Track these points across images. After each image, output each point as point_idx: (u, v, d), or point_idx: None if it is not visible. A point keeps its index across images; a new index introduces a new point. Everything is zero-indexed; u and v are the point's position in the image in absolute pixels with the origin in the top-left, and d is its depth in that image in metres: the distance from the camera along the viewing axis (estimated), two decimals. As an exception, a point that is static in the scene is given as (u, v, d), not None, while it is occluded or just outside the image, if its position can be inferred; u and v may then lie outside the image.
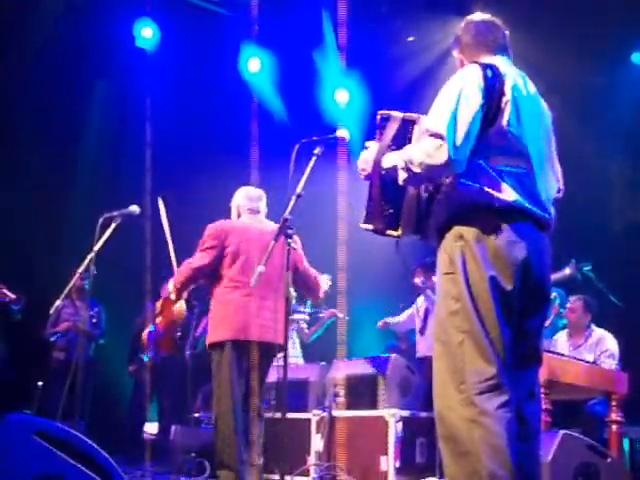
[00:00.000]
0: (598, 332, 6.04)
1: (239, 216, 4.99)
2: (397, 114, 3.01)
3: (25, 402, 6.95)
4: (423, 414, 5.68)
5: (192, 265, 4.77)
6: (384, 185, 2.96)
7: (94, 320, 7.50)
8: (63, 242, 7.90)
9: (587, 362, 5.30)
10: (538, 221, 2.79)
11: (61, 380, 5.81)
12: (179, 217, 5.94)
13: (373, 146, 2.97)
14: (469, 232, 2.73)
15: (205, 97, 8.70)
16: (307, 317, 7.47)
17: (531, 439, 2.77)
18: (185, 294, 5.08)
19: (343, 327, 7.16)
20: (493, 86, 2.74)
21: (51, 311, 5.76)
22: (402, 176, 2.78)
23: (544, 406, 4.23)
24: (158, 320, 5.45)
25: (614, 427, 4.79)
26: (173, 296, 5.02)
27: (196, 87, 8.60)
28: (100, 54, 8.22)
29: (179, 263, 5.14)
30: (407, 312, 7.17)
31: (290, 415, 4.88)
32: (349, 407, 5.88)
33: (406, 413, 5.64)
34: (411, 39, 8.39)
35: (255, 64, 8.89)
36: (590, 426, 5.44)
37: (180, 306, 5.20)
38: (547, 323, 5.08)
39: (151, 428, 7.86)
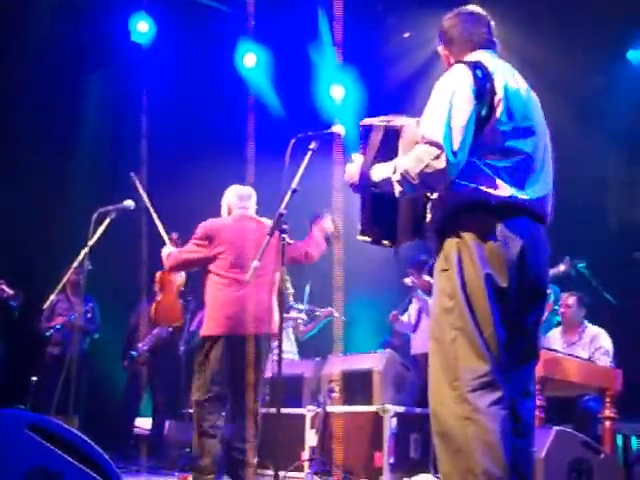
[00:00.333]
0: (592, 329, 6.05)
1: (229, 214, 5.10)
2: (380, 123, 2.97)
3: (19, 397, 6.95)
4: (417, 410, 5.69)
5: (183, 256, 4.97)
6: (374, 197, 2.95)
7: (89, 315, 7.49)
8: (61, 238, 7.88)
9: (581, 359, 5.31)
10: (535, 214, 2.78)
11: (55, 375, 5.81)
12: (175, 211, 5.94)
13: (358, 159, 2.95)
14: (466, 231, 2.72)
15: (201, 92, 8.68)
16: (304, 317, 7.47)
17: (525, 436, 2.77)
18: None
19: (340, 323, 7.16)
20: (484, 86, 2.72)
21: (45, 306, 5.74)
22: (398, 189, 2.75)
23: (538, 402, 4.25)
24: (160, 296, 5.48)
25: (608, 423, 4.81)
26: (167, 267, 5.13)
27: (192, 82, 8.59)
28: (95, 49, 8.21)
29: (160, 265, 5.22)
30: (407, 314, 7.16)
31: (284, 410, 4.88)
32: (344, 403, 5.89)
33: (400, 409, 5.65)
34: (407, 35, 8.39)
35: (251, 59, 8.88)
36: (584, 422, 5.45)
37: (178, 275, 5.30)
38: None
39: (144, 423, 7.86)
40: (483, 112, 2.71)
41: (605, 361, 5.80)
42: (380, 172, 2.83)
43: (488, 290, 2.67)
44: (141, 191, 5.37)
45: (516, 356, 2.76)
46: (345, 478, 5.54)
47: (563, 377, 4.72)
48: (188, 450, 5.81)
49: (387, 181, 2.78)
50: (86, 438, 2.74)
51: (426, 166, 2.64)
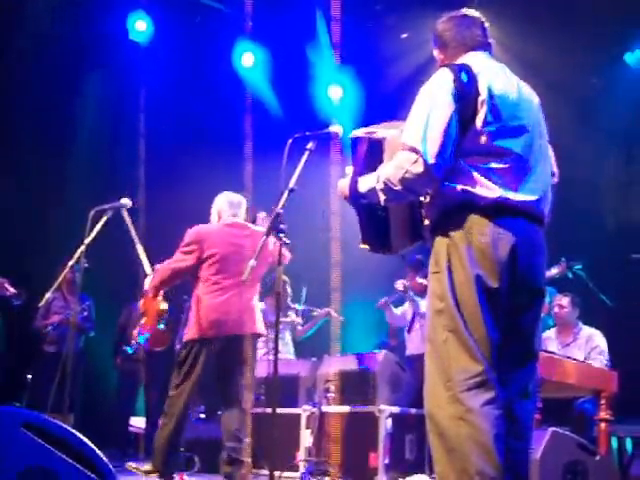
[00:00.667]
0: (586, 330, 6.07)
1: (219, 220, 5.17)
2: (364, 135, 3.01)
3: (15, 395, 6.94)
4: (413, 411, 5.69)
5: (171, 266, 5.03)
6: (365, 208, 3.00)
7: (84, 313, 7.48)
8: (57, 237, 7.86)
9: (577, 360, 5.32)
10: (529, 214, 2.77)
11: (51, 373, 5.79)
12: (172, 210, 5.94)
13: (349, 174, 3.00)
14: (455, 232, 2.73)
15: (199, 91, 8.68)
16: (300, 320, 7.48)
17: (522, 438, 2.77)
18: (162, 291, 5.29)
19: (337, 324, 7.17)
20: (467, 88, 2.72)
21: (41, 303, 5.74)
22: (382, 197, 2.80)
23: (534, 404, 4.24)
24: (144, 320, 5.47)
25: (603, 425, 4.81)
26: (151, 294, 5.23)
27: (190, 81, 8.59)
28: (93, 47, 8.20)
29: (158, 260, 5.25)
30: (402, 308, 7.15)
31: (280, 410, 4.88)
32: (339, 403, 5.89)
33: (396, 410, 5.65)
34: (404, 36, 8.39)
35: (249, 59, 8.88)
36: (579, 424, 5.46)
37: (161, 300, 5.33)
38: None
39: (138, 422, 7.85)
40: (466, 113, 2.71)
41: (601, 360, 5.82)
42: (366, 183, 2.88)
43: (478, 291, 2.67)
44: (129, 223, 5.35)
45: (513, 358, 2.76)
46: (340, 478, 5.54)
47: (559, 379, 4.72)
48: (182, 449, 5.80)
49: (372, 191, 2.83)
50: (81, 436, 2.73)
51: (406, 172, 2.68)
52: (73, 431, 2.72)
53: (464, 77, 2.74)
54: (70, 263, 5.17)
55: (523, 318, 2.80)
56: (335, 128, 3.96)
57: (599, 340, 5.97)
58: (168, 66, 8.36)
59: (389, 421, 5.55)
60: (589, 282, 6.39)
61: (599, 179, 7.65)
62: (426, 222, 2.90)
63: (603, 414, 4.81)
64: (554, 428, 4.30)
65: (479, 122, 2.72)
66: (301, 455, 5.85)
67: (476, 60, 2.87)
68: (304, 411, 5.94)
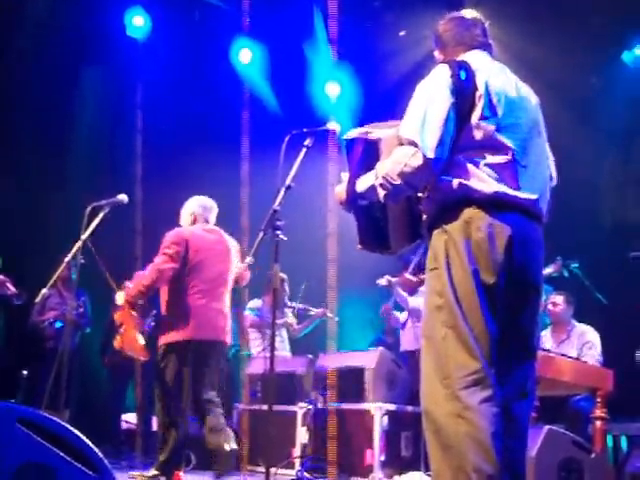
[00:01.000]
0: (580, 327, 6.12)
1: (193, 223, 5.22)
2: (360, 136, 2.98)
3: (10, 391, 6.93)
4: (409, 408, 5.70)
5: (158, 267, 5.01)
6: (363, 210, 2.98)
7: (80, 309, 7.47)
8: (55, 233, 7.85)
9: (573, 358, 5.33)
10: (526, 210, 2.77)
11: (47, 369, 5.78)
12: (169, 206, 5.92)
13: (345, 178, 2.98)
14: (452, 227, 2.72)
15: (196, 87, 8.66)
16: (295, 320, 7.48)
17: (518, 437, 2.76)
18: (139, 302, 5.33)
19: (333, 321, 7.17)
20: (465, 83, 2.73)
21: (37, 299, 5.72)
22: (381, 193, 2.78)
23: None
24: (123, 329, 5.39)
25: (598, 423, 4.81)
26: (132, 300, 5.18)
27: (187, 77, 8.57)
28: (90, 43, 8.18)
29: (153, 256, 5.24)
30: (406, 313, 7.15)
31: (276, 407, 4.88)
32: (335, 400, 5.89)
33: (392, 407, 5.66)
34: (402, 33, 8.38)
35: (246, 56, 8.87)
36: (575, 422, 5.47)
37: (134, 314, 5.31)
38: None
39: (130, 418, 7.85)
40: (464, 108, 2.72)
41: (593, 355, 5.85)
42: (364, 182, 2.86)
43: (477, 287, 2.67)
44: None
45: (511, 356, 2.75)
46: (336, 476, 5.55)
47: (555, 376, 4.72)
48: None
49: (371, 188, 2.81)
50: (77, 433, 2.73)
51: (404, 166, 2.68)
52: (69, 427, 2.71)
53: (462, 72, 2.75)
54: (66, 259, 5.16)
55: (521, 315, 2.79)
56: (332, 125, 3.97)
57: (591, 336, 6.02)
58: (166, 62, 8.34)
59: (385, 418, 5.56)
60: (585, 281, 6.40)
61: (597, 179, 7.65)
62: (423, 217, 2.90)
63: (599, 412, 4.81)
64: (549, 426, 4.30)
65: (476, 117, 2.73)
66: (297, 452, 5.85)
67: (475, 58, 2.88)
68: (300, 408, 5.95)
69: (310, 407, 5.89)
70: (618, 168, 7.82)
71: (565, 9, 7.20)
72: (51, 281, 5.33)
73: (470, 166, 2.72)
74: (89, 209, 5.05)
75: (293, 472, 5.68)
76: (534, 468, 4.01)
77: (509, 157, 2.75)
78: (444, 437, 2.64)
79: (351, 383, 5.92)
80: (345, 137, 3.02)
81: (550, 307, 6.11)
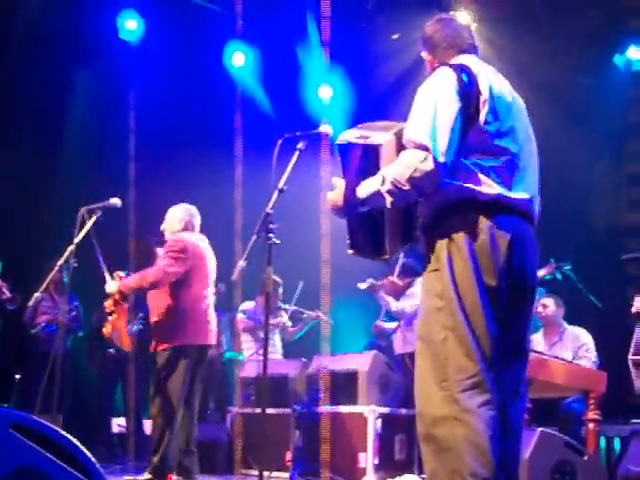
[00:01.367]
0: (572, 329, 6.12)
1: (184, 230, 5.30)
2: (357, 140, 2.83)
3: (2, 395, 6.90)
4: (402, 411, 5.70)
5: (166, 269, 5.07)
6: (360, 217, 2.86)
7: (73, 313, 7.44)
8: (46, 237, 7.82)
9: (565, 360, 5.34)
10: (523, 213, 2.78)
11: (40, 373, 5.76)
12: (162, 208, 5.91)
13: (339, 185, 2.85)
14: (454, 229, 2.71)
15: (189, 90, 8.65)
16: (289, 323, 7.48)
17: (512, 438, 2.75)
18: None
19: (327, 324, 7.16)
20: (469, 88, 2.73)
21: (30, 303, 5.71)
22: (389, 200, 2.68)
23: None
24: (113, 317, 5.36)
25: (591, 425, 4.83)
26: (120, 296, 5.20)
27: (180, 80, 8.55)
28: (83, 46, 8.17)
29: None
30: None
31: (269, 410, 4.88)
32: (329, 403, 5.89)
33: (385, 410, 5.66)
34: (395, 37, 8.39)
35: (239, 59, 8.87)
36: (567, 424, 5.48)
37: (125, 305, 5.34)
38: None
39: (121, 422, 7.84)
40: (469, 112, 2.71)
41: (589, 358, 5.85)
42: (367, 188, 2.74)
43: (479, 289, 2.66)
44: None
45: (505, 358, 2.74)
46: (330, 479, 5.54)
47: (547, 378, 4.73)
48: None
49: (376, 195, 2.71)
50: (70, 437, 2.72)
51: (415, 170, 2.62)
52: (62, 432, 2.71)
53: (465, 77, 2.75)
54: (59, 263, 5.15)
55: (515, 317, 2.79)
56: (325, 128, 3.95)
57: (585, 338, 6.02)
58: (159, 65, 8.33)
59: (378, 421, 5.56)
60: (578, 283, 6.42)
61: (591, 181, 7.67)
62: (419, 219, 2.87)
63: (591, 414, 4.83)
64: (542, 428, 4.31)
65: (481, 121, 2.73)
66: (290, 455, 5.84)
67: (471, 61, 2.88)
68: (294, 411, 5.94)
69: (304, 410, 5.88)
70: (611, 170, 7.84)
71: (557, 10, 7.22)
72: (43, 285, 5.32)
73: (474, 170, 2.71)
74: (81, 212, 5.04)
75: (286, 475, 5.67)
76: (527, 470, 4.02)
77: (508, 161, 2.76)
78: (439, 440, 2.63)
79: (345, 386, 5.92)
80: (339, 141, 2.89)
81: (540, 310, 6.12)
